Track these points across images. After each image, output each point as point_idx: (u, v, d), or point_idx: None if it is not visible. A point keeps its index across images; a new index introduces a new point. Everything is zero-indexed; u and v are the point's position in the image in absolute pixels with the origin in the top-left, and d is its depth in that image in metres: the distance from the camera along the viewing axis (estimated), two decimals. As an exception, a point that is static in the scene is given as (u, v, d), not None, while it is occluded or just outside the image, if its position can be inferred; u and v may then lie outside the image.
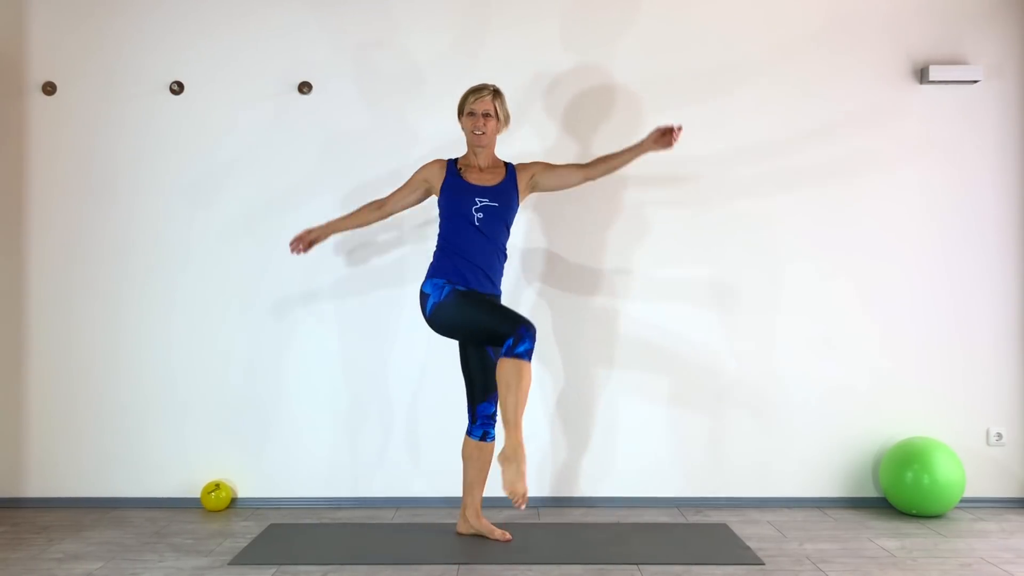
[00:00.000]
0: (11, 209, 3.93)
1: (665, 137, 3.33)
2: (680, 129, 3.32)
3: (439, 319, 3.25)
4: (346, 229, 3.56)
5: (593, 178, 3.46)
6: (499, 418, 3.31)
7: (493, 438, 3.37)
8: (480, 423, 3.36)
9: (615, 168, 3.43)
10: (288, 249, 3.53)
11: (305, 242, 3.48)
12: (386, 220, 3.57)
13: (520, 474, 3.05)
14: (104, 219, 3.92)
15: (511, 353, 3.08)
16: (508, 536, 3.35)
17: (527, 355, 3.09)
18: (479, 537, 3.39)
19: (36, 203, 3.93)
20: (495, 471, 3.54)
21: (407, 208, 3.49)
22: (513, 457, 3.07)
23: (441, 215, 3.38)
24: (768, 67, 3.89)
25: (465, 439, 3.39)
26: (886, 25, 3.89)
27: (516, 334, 3.07)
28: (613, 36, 3.89)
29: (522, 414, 3.11)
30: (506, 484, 3.07)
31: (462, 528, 3.44)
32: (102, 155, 3.92)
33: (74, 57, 3.92)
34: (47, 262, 3.92)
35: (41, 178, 3.93)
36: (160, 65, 3.92)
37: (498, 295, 3.38)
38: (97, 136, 3.92)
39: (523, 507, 3.09)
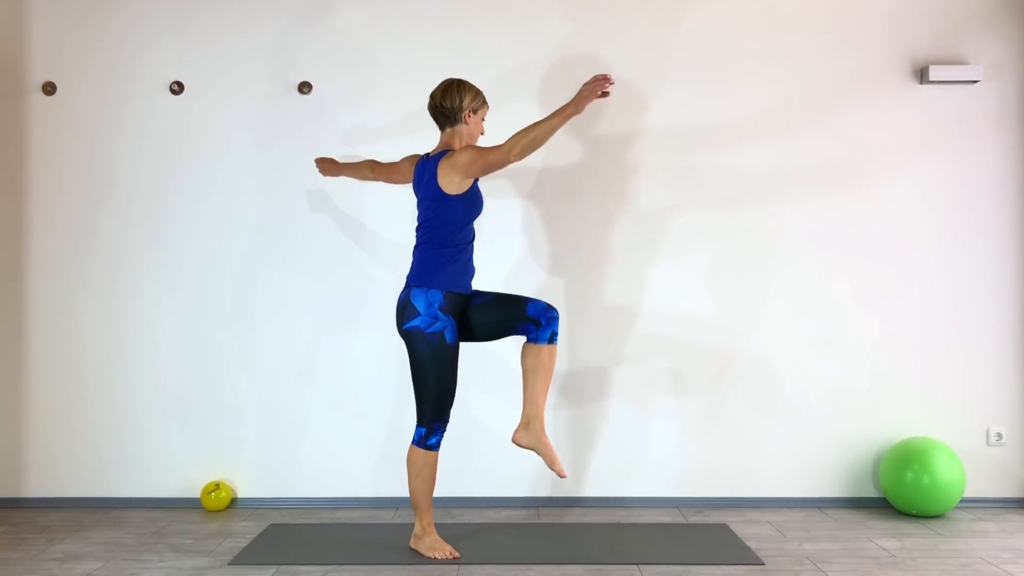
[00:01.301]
0: (11, 209, 3.93)
1: (596, 94, 3.02)
2: (607, 78, 3.01)
3: (416, 349, 3.10)
4: (351, 176, 3.70)
5: (516, 159, 3.07)
6: (506, 415, 3.30)
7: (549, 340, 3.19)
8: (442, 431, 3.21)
9: (542, 138, 3.03)
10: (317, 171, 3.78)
11: (326, 168, 3.72)
12: (387, 221, 3.58)
13: (553, 459, 3.13)
14: (103, 219, 3.92)
15: (540, 339, 3.14)
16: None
17: (555, 338, 3.16)
18: (473, 537, 3.37)
19: (36, 203, 3.93)
20: (496, 471, 3.55)
21: (387, 182, 3.59)
22: (531, 431, 3.12)
23: (457, 219, 3.15)
24: (768, 67, 3.89)
25: (420, 452, 3.16)
26: (886, 25, 3.89)
27: (545, 317, 3.13)
28: (612, 34, 3.89)
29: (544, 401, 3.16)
30: (520, 439, 3.14)
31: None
32: (102, 155, 3.92)
33: (74, 57, 3.92)
34: (47, 262, 3.93)
35: (41, 178, 3.93)
36: (160, 65, 3.92)
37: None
38: (97, 136, 3.92)
39: (564, 475, 3.16)
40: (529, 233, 3.89)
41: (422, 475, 3.15)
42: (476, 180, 3.20)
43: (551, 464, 3.13)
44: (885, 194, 3.89)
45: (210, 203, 3.92)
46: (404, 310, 3.13)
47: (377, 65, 3.91)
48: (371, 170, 3.61)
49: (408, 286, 3.17)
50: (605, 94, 3.05)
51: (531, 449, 3.14)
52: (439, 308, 3.09)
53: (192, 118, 3.92)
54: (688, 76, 3.89)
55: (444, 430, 3.18)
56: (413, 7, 3.90)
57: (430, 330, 3.08)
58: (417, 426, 3.15)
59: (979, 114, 3.89)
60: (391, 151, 3.84)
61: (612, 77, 3.05)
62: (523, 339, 3.22)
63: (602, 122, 3.86)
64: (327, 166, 3.75)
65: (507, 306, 3.19)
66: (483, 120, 3.27)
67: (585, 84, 3.04)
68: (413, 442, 3.15)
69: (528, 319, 3.14)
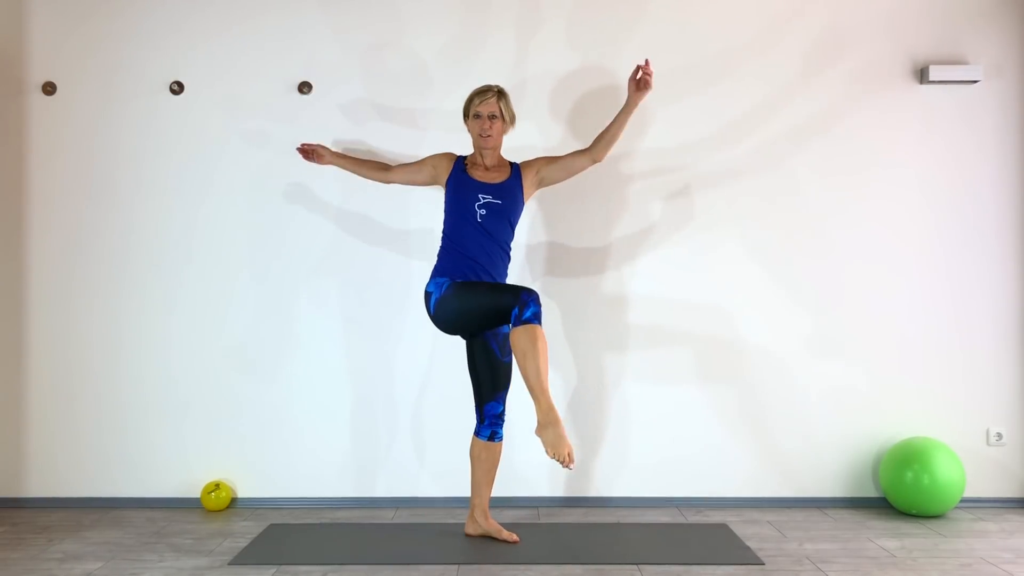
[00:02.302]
0: (11, 209, 3.93)
1: (640, 83, 3.30)
2: (647, 64, 3.30)
3: (442, 314, 3.25)
4: (347, 169, 3.65)
5: (599, 158, 3.43)
6: (516, 409, 3.37)
7: (501, 438, 3.38)
8: (488, 423, 3.35)
9: (615, 138, 3.40)
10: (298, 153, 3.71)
11: (314, 154, 3.65)
12: (388, 221, 3.56)
13: (560, 436, 2.97)
14: (104, 219, 3.92)
15: (519, 321, 3.05)
16: (515, 538, 3.35)
17: (536, 319, 3.05)
18: (486, 538, 3.39)
19: (36, 203, 3.93)
20: (498, 471, 3.55)
21: (406, 184, 3.59)
22: (547, 422, 2.99)
23: (446, 212, 3.38)
24: (768, 67, 3.89)
25: (473, 439, 3.39)
26: (886, 25, 3.89)
27: (520, 302, 3.06)
28: (616, 35, 3.89)
29: (546, 378, 3.04)
30: (548, 450, 2.98)
31: (470, 529, 3.43)
32: (102, 155, 3.92)
33: (74, 57, 3.92)
34: (47, 262, 3.93)
35: (41, 178, 3.93)
36: (160, 65, 3.92)
37: None
38: (97, 136, 3.92)
39: (573, 466, 3.02)
40: (529, 232, 3.89)
41: (477, 459, 3.37)
42: (456, 172, 3.37)
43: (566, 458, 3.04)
44: (885, 194, 3.89)
45: (210, 203, 3.92)
46: (426, 301, 3.33)
47: (377, 66, 3.91)
48: (382, 170, 3.56)
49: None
50: (645, 84, 3.29)
51: (550, 438, 3.02)
52: (445, 280, 3.27)
53: (192, 118, 3.92)
54: (687, 76, 3.88)
55: (483, 422, 3.35)
56: (413, 8, 3.90)
57: (443, 289, 3.23)
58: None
59: (979, 114, 3.89)
60: (391, 151, 3.85)
61: (649, 61, 3.31)
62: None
63: (604, 121, 3.85)
64: (315, 153, 3.64)
65: (488, 291, 3.19)
66: (476, 116, 3.33)
67: (632, 75, 3.32)
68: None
69: (508, 304, 3.10)
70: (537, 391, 3.02)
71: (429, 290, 3.30)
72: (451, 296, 3.21)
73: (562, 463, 2.98)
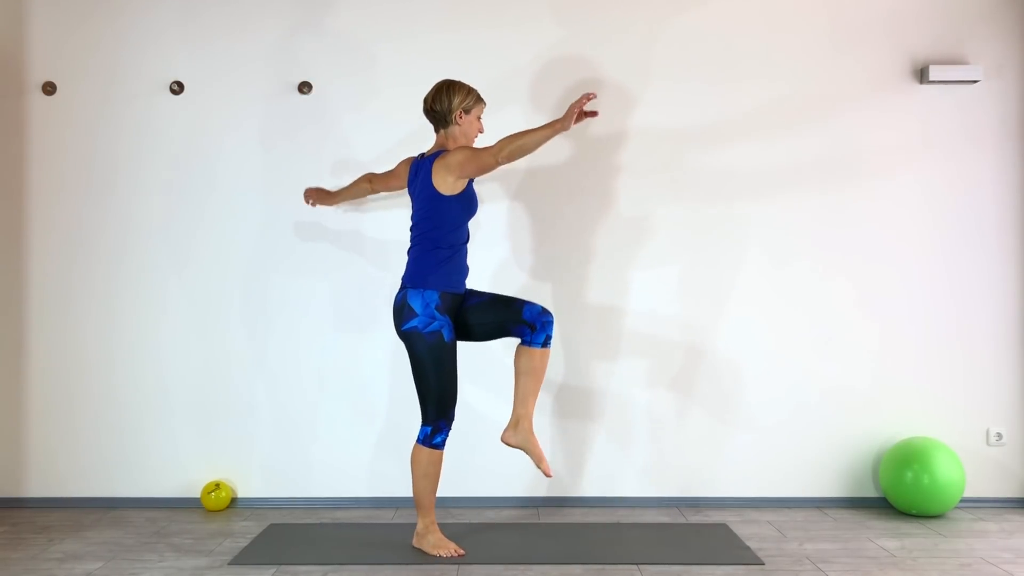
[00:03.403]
0: (11, 209, 3.93)
1: (580, 115, 3.03)
2: (589, 97, 3.00)
3: (415, 349, 3.12)
4: (346, 201, 3.75)
5: (503, 162, 3.08)
6: (492, 416, 3.36)
7: (551, 342, 3.24)
8: (539, 327, 3.18)
9: (528, 150, 3.05)
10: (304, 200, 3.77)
11: (316, 197, 3.71)
12: (387, 221, 3.60)
13: (540, 458, 3.19)
14: (104, 219, 3.92)
15: (533, 343, 3.18)
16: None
17: (549, 342, 3.20)
18: (473, 537, 3.37)
19: (36, 203, 3.93)
20: (496, 470, 3.56)
21: (389, 191, 3.63)
22: (519, 430, 3.19)
23: (449, 217, 3.16)
24: (767, 67, 3.89)
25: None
26: (886, 25, 3.89)
27: (539, 323, 3.16)
28: (610, 33, 3.89)
29: (535, 399, 3.23)
30: (511, 439, 3.20)
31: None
32: (102, 155, 3.92)
33: (74, 57, 3.92)
34: (47, 262, 3.93)
35: (41, 178, 3.93)
36: (160, 65, 3.92)
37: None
38: (97, 136, 3.92)
39: (550, 474, 3.22)
40: (519, 234, 3.89)
41: (428, 474, 3.17)
42: (471, 181, 3.22)
43: (538, 462, 3.20)
44: (885, 194, 3.89)
45: (210, 203, 3.92)
46: (402, 311, 3.16)
47: (377, 65, 3.90)
48: (369, 182, 3.62)
49: (404, 287, 3.19)
50: (591, 114, 3.09)
51: (520, 448, 3.20)
52: (435, 308, 3.12)
53: (192, 118, 3.92)
54: (687, 76, 3.88)
55: (449, 429, 3.20)
56: (413, 8, 3.90)
57: (428, 330, 3.10)
58: (422, 425, 3.17)
59: (979, 114, 3.89)
60: (391, 151, 3.85)
61: (595, 93, 3.10)
62: (517, 340, 3.25)
63: (599, 123, 3.85)
64: (318, 196, 3.72)
65: (503, 308, 3.21)
66: (479, 118, 3.28)
67: (573, 103, 3.00)
68: (418, 441, 3.17)
69: (523, 322, 3.17)
70: (531, 405, 3.20)
71: (412, 307, 3.11)
72: (434, 348, 3.09)
73: (547, 474, 3.20)
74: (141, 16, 3.92)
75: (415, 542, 3.26)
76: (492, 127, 3.43)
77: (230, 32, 3.91)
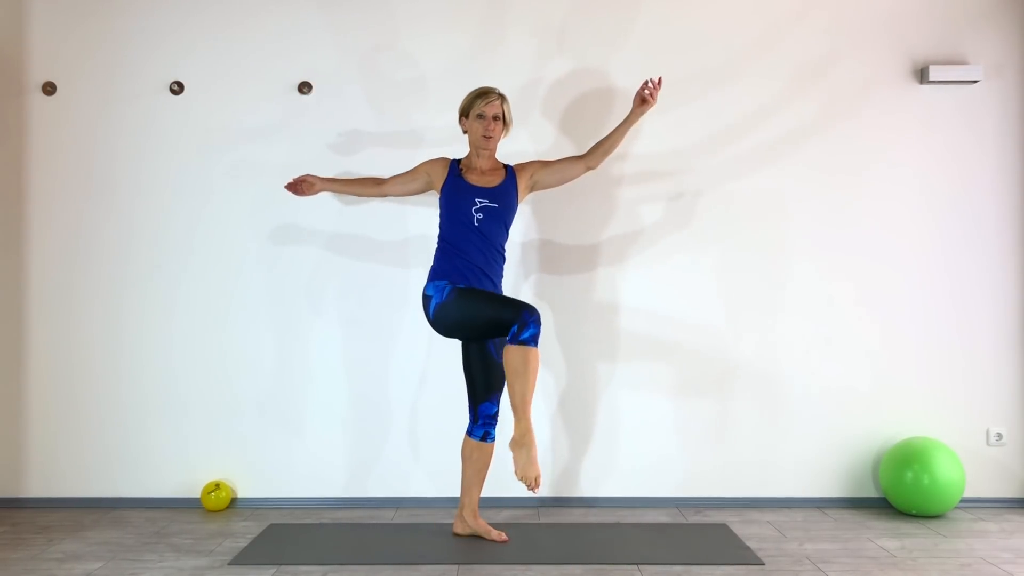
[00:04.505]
0: (11, 209, 3.93)
1: (645, 97, 3.38)
2: (658, 81, 3.38)
3: (443, 319, 3.24)
4: (342, 192, 3.68)
5: (594, 166, 3.50)
6: (500, 416, 3.41)
7: (494, 439, 3.38)
8: (482, 423, 3.36)
9: (612, 148, 3.48)
10: (286, 189, 3.63)
11: (303, 185, 3.57)
12: (387, 222, 3.60)
13: (531, 459, 3.10)
14: (104, 219, 3.92)
15: (516, 340, 3.07)
16: (504, 537, 3.35)
17: (533, 340, 3.07)
18: (476, 538, 3.39)
19: (36, 203, 3.93)
20: (494, 470, 3.56)
21: (403, 195, 3.59)
22: (523, 443, 3.10)
23: (441, 215, 3.39)
24: (767, 67, 3.89)
25: (465, 439, 3.39)
26: (886, 25, 3.89)
27: (520, 320, 3.07)
28: (612, 38, 3.89)
29: (530, 400, 3.12)
30: (518, 470, 3.10)
31: (459, 528, 3.44)
32: (102, 155, 3.92)
33: (74, 57, 3.92)
34: (47, 262, 3.93)
35: (41, 178, 3.93)
36: (160, 65, 3.92)
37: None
38: (97, 136, 3.92)
39: (537, 490, 3.14)
40: (529, 233, 3.89)
41: (468, 459, 3.38)
42: (450, 180, 3.38)
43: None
44: (885, 194, 3.89)
45: (210, 203, 3.92)
46: (425, 305, 3.31)
47: (377, 66, 3.91)
48: (375, 185, 3.55)
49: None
50: (648, 99, 3.37)
51: (522, 460, 3.12)
52: (446, 284, 3.26)
53: (192, 118, 3.92)
54: (687, 76, 3.88)
55: (476, 422, 3.35)
56: (413, 9, 3.90)
57: (445, 295, 3.21)
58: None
59: (979, 114, 3.89)
60: (391, 150, 3.85)
61: (657, 79, 3.38)
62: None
63: (607, 123, 3.85)
64: (303, 186, 3.56)
65: (490, 303, 3.18)
66: (479, 116, 3.32)
67: (638, 95, 3.39)
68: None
69: (509, 320, 3.10)
70: (520, 411, 3.12)
71: (428, 293, 3.29)
72: (452, 303, 3.20)
73: (528, 486, 3.11)
74: (141, 16, 3.92)
75: (457, 528, 3.45)
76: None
77: (230, 32, 3.92)
